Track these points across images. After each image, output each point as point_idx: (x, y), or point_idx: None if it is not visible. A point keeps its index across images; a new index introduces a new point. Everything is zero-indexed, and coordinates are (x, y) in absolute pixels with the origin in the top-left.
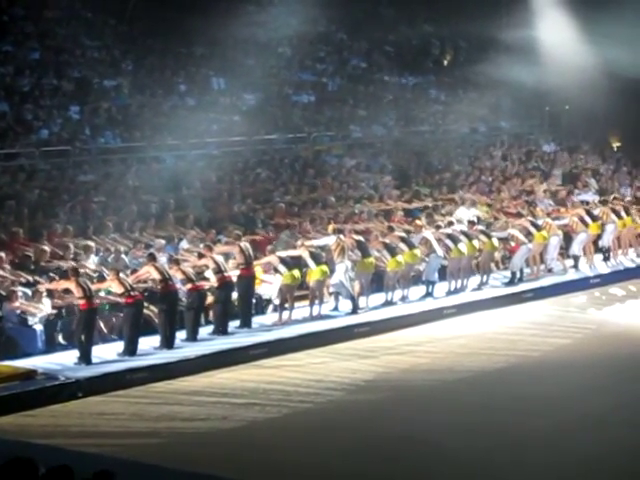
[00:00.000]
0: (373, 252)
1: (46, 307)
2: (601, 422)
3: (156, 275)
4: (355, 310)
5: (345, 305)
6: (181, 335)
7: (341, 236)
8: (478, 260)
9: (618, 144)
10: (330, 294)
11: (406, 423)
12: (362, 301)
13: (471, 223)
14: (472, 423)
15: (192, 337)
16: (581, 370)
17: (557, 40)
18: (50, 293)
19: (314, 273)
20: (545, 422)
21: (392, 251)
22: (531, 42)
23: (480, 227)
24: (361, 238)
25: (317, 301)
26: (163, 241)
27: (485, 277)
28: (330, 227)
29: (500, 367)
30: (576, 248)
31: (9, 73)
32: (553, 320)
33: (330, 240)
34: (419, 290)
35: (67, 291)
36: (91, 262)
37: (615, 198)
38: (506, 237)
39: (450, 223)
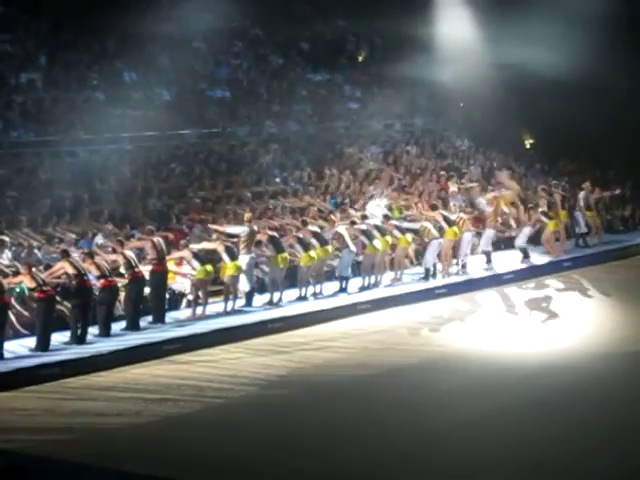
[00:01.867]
0: (286, 247)
1: None
2: (510, 416)
3: (71, 270)
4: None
5: (259, 300)
6: (94, 330)
7: (255, 227)
8: (392, 256)
9: (531, 141)
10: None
11: (319, 418)
12: (276, 296)
13: (386, 217)
14: (383, 418)
15: (105, 332)
16: (492, 365)
17: (472, 38)
18: None
19: (228, 268)
20: (453, 416)
21: (305, 246)
22: (446, 40)
23: (394, 222)
24: (275, 234)
25: (231, 296)
26: (73, 235)
27: (399, 273)
28: (247, 215)
29: (413, 362)
30: (484, 243)
31: None
32: (466, 316)
33: (243, 230)
34: (333, 286)
35: None
36: (5, 257)
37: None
38: (418, 229)
39: (364, 217)
